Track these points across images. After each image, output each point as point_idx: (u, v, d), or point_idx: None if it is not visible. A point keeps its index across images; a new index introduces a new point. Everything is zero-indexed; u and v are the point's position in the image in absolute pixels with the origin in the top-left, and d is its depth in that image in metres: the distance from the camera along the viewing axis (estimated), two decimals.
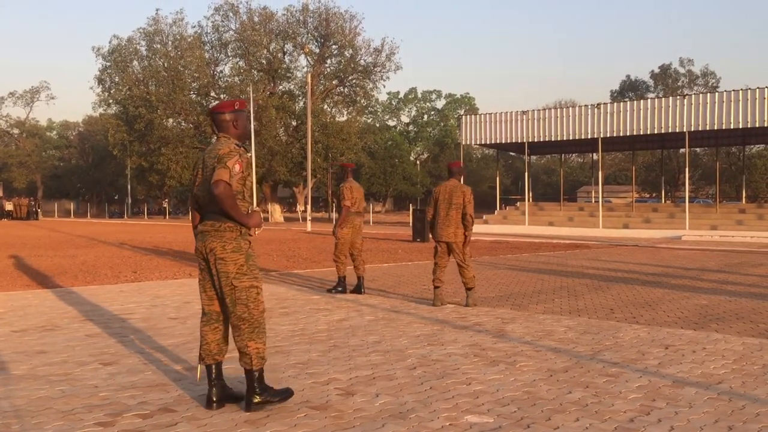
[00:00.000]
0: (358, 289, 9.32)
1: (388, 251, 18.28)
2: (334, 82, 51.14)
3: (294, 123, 49.61)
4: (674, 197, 58.34)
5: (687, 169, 32.38)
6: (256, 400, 3.97)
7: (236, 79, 47.58)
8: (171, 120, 49.85)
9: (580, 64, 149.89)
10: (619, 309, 8.05)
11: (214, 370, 4.08)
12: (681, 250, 19.35)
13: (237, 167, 3.91)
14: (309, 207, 35.87)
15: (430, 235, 8.60)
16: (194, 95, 49.35)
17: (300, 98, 49.80)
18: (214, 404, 4.02)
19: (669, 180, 57.50)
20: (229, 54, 50.08)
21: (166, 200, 66.39)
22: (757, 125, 27.33)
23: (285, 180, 50.69)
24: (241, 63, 49.00)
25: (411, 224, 25.94)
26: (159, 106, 46.67)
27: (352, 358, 5.39)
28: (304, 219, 40.10)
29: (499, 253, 17.64)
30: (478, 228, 32.39)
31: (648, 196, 70.53)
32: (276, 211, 49.65)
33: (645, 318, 7.40)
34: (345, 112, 52.61)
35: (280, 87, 50.39)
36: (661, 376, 4.84)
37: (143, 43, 50.63)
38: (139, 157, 53.37)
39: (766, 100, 26.73)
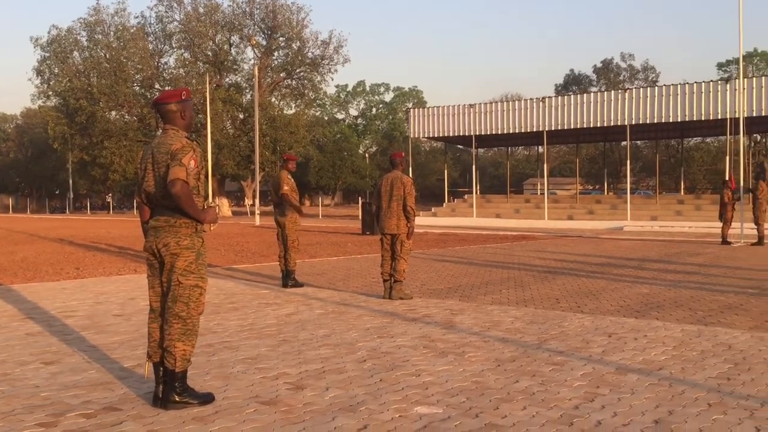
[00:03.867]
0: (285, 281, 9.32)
1: (338, 244, 18.25)
2: (281, 75, 50.69)
3: (241, 116, 49.01)
4: (616, 189, 59.80)
5: (628, 162, 33.22)
6: (175, 400, 3.90)
7: (181, 71, 46.69)
8: (114, 113, 48.63)
9: (526, 58, 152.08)
10: (565, 299, 8.21)
11: (161, 368, 4.00)
12: (623, 241, 19.86)
13: (192, 163, 3.89)
14: (258, 201, 35.52)
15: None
16: (138, 87, 48.24)
17: (247, 91, 49.23)
18: (161, 402, 3.95)
19: (611, 172, 58.91)
20: (174, 45, 49.09)
21: (110, 195, 64.81)
22: (694, 119, 28.22)
23: (233, 174, 50.07)
24: (186, 55, 48.09)
25: (360, 217, 25.96)
26: (101, 99, 45.44)
27: (302, 352, 5.37)
28: (253, 213, 39.71)
29: (447, 246, 17.79)
30: (427, 221, 32.63)
31: (591, 188, 72.05)
32: (224, 205, 49.01)
33: (589, 307, 7.57)
34: (293, 105, 52.28)
35: (227, 79, 49.67)
36: (605, 364, 4.96)
37: (84, 33, 49.15)
38: (80, 150, 51.84)
39: (703, 94, 27.61)
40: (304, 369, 4.82)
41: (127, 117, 48.95)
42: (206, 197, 4.11)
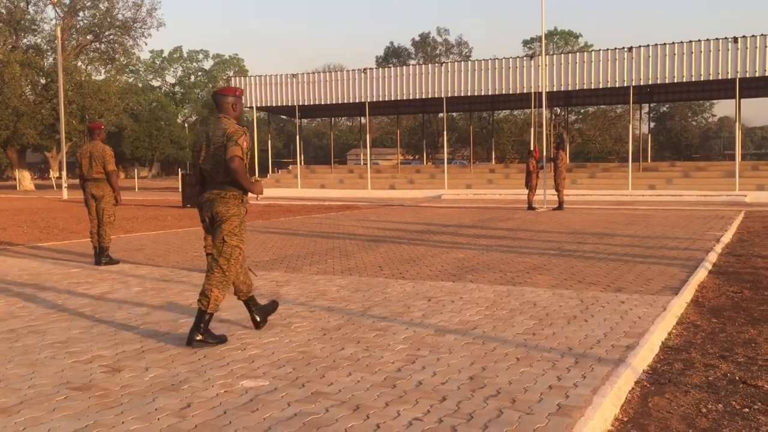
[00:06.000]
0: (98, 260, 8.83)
1: (156, 218, 17.46)
2: (88, 37, 47.07)
3: (43, 81, 44.94)
4: (434, 159, 62.41)
5: (445, 133, 34.73)
6: (197, 338, 4.62)
7: None
8: None
9: (348, 28, 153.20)
10: (387, 266, 8.47)
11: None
12: (441, 209, 20.82)
13: (245, 144, 4.71)
14: (65, 173, 32.96)
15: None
16: None
17: (49, 54, 45.20)
18: (260, 324, 5.05)
19: (430, 143, 61.30)
20: None
21: None
22: (504, 92, 30.02)
23: (35, 144, 45.96)
24: None
25: (180, 189, 24.98)
26: None
27: (119, 332, 5.09)
28: (59, 186, 36.85)
29: (272, 217, 17.65)
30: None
31: (412, 158, 74.60)
32: (25, 179, 44.98)
33: (410, 273, 7.86)
34: (103, 71, 48.84)
35: (25, 40, 45.29)
36: (425, 327, 5.19)
37: None
38: None
39: (510, 69, 29.42)
40: (121, 350, 4.58)
41: None
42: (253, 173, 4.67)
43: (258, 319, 5.09)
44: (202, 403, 3.53)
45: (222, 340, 4.74)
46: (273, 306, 5.28)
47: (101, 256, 8.82)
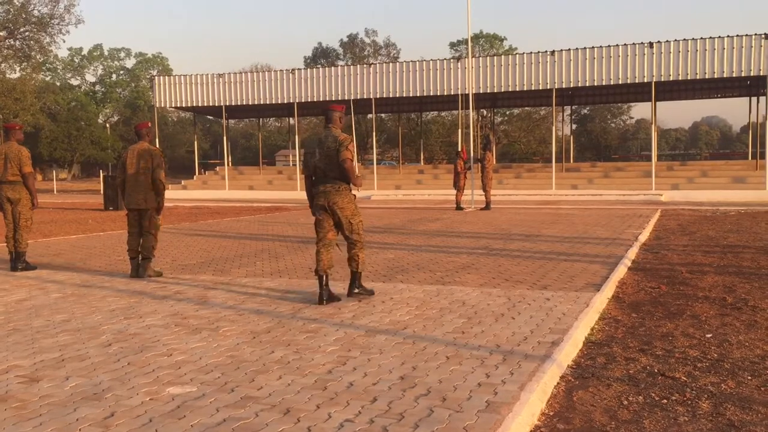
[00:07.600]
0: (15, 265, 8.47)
1: (77, 222, 16.86)
2: (2, 34, 45.02)
3: None
4: (364, 160, 62.46)
5: (374, 134, 34.92)
6: (356, 291, 6.27)
7: None
8: None
9: (276, 28, 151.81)
10: None
11: (324, 279, 6.01)
12: (371, 209, 20.86)
13: (353, 149, 5.99)
14: None
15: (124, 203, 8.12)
16: None
17: None
18: (324, 301, 6.01)
19: (359, 144, 61.27)
20: None
21: None
22: (431, 94, 30.36)
23: None
24: None
25: (102, 192, 24.21)
26: None
27: (36, 340, 4.88)
28: None
29: (199, 219, 17.31)
30: (177, 194, 31.44)
31: None
32: None
33: (340, 274, 7.84)
34: (18, 69, 46.82)
35: None
36: (356, 328, 5.19)
37: None
38: None
39: (438, 71, 29.77)
40: (40, 359, 4.40)
41: None
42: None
43: (324, 298, 6.05)
44: (126, 411, 3.42)
45: (372, 292, 6.35)
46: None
47: (18, 261, 8.46)
